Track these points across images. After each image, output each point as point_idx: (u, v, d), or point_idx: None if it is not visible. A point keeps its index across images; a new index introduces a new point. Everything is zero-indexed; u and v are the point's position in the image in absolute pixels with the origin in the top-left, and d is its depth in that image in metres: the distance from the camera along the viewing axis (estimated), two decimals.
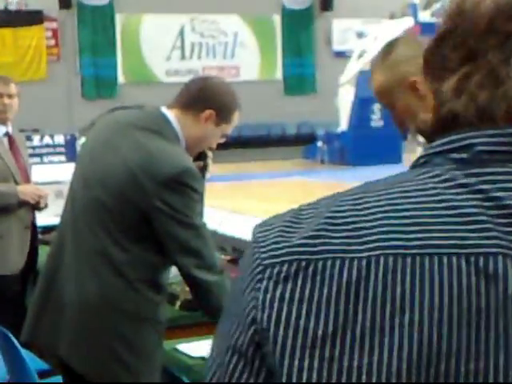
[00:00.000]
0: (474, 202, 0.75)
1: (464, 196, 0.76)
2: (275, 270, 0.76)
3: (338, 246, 0.75)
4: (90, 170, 2.70)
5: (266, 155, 21.10)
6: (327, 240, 0.76)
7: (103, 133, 2.75)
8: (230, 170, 18.30)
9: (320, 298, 0.74)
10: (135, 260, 2.61)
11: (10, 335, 3.20)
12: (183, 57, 22.88)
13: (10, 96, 4.73)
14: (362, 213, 0.77)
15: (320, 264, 0.75)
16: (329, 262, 0.75)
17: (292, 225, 0.79)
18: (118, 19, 22.19)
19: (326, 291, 0.74)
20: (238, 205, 11.46)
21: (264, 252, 0.78)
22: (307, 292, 0.74)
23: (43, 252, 4.74)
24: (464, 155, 0.78)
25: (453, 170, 0.78)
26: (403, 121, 2.28)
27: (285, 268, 0.76)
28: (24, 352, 3.22)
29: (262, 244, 0.79)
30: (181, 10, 22.17)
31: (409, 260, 0.73)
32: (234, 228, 5.32)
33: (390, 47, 2.31)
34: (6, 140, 4.76)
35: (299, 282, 0.75)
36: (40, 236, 5.11)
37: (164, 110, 2.72)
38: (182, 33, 22.87)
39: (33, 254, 4.78)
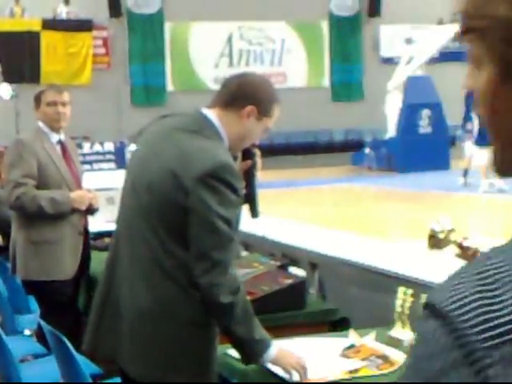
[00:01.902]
0: None
1: None
2: (500, 352, 0.71)
3: None
4: (138, 177, 2.73)
5: (313, 162, 21.06)
6: None
7: (150, 140, 2.78)
8: (279, 177, 18.28)
9: None
10: (185, 264, 2.61)
11: (64, 339, 3.24)
12: (231, 64, 22.98)
13: (63, 104, 4.81)
14: None
15: None
16: None
17: (489, 294, 0.73)
18: (167, 27, 22.36)
19: None
20: (286, 211, 11.46)
21: (476, 333, 0.72)
22: None
23: (95, 257, 4.81)
24: None
25: None
26: None
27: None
28: (78, 356, 3.26)
29: (467, 324, 0.72)
30: (229, 18, 22.26)
31: None
32: (283, 234, 5.32)
33: None
34: (58, 147, 4.84)
35: None
36: (92, 242, 5.18)
37: (204, 110, 2.74)
38: (230, 40, 22.97)
39: (85, 259, 4.84)
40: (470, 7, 0.82)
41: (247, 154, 2.89)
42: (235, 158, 2.83)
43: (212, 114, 2.72)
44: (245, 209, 2.86)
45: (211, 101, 2.79)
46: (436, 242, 2.46)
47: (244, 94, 2.74)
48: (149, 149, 2.75)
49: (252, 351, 2.68)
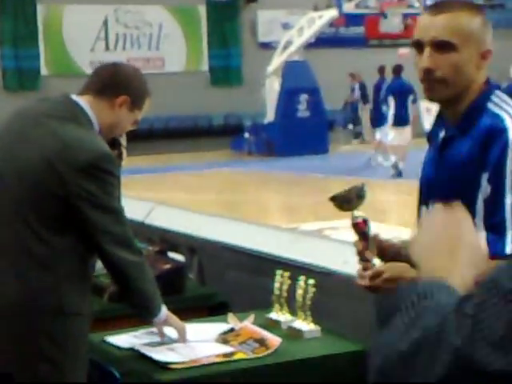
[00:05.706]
0: None
1: None
2: None
3: None
4: (2, 164, 2.64)
5: (193, 147, 21.02)
6: None
7: (14, 125, 2.70)
8: (158, 162, 18.17)
9: None
10: (57, 252, 2.57)
11: None
12: (107, 48, 22.61)
13: None
14: None
15: None
16: None
17: None
18: (40, 10, 21.80)
19: None
20: (165, 196, 11.40)
21: None
22: None
23: None
24: None
25: None
26: (446, 69, 2.12)
27: None
28: None
29: None
30: (104, 1, 21.89)
31: None
32: (161, 219, 5.28)
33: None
34: None
35: None
36: None
37: (75, 97, 2.71)
38: (105, 24, 22.59)
39: None
40: None
41: (113, 144, 2.87)
42: None
43: (83, 102, 2.69)
44: None
45: (82, 88, 2.76)
46: (342, 201, 2.28)
47: (118, 84, 2.74)
48: (14, 135, 2.67)
49: (154, 307, 2.79)
